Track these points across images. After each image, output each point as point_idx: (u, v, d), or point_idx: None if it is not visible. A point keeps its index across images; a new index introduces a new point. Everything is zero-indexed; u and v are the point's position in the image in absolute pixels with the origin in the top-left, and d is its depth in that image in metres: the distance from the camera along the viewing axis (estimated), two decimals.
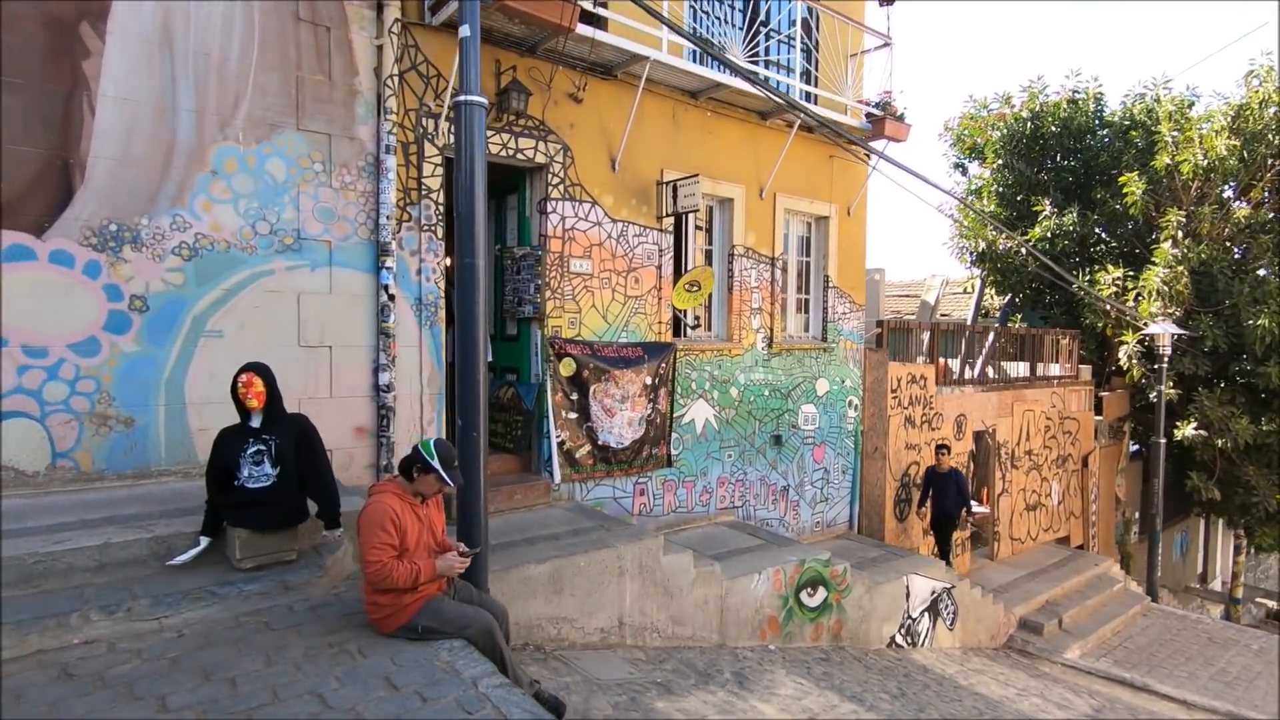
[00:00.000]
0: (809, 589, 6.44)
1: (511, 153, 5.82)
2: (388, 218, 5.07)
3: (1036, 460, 11.93)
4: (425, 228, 5.36)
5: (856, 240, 8.94)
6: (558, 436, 6.09)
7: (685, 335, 7.37)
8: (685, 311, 7.22)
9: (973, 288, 17.13)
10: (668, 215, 6.83)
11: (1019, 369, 12.30)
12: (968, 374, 10.97)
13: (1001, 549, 11.13)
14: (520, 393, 6.23)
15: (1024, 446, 11.62)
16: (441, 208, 5.45)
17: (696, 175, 6.50)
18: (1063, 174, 15.08)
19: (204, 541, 3.37)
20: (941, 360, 10.62)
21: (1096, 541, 13.55)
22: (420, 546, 3.12)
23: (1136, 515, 15.80)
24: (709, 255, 7.58)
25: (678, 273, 7.12)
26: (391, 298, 5.10)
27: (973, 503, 9.72)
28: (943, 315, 18.06)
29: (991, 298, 16.84)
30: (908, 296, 19.14)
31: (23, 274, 3.95)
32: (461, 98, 3.81)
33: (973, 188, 17.02)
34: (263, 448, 3.34)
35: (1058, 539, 12.55)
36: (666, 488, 7.03)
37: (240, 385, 3.33)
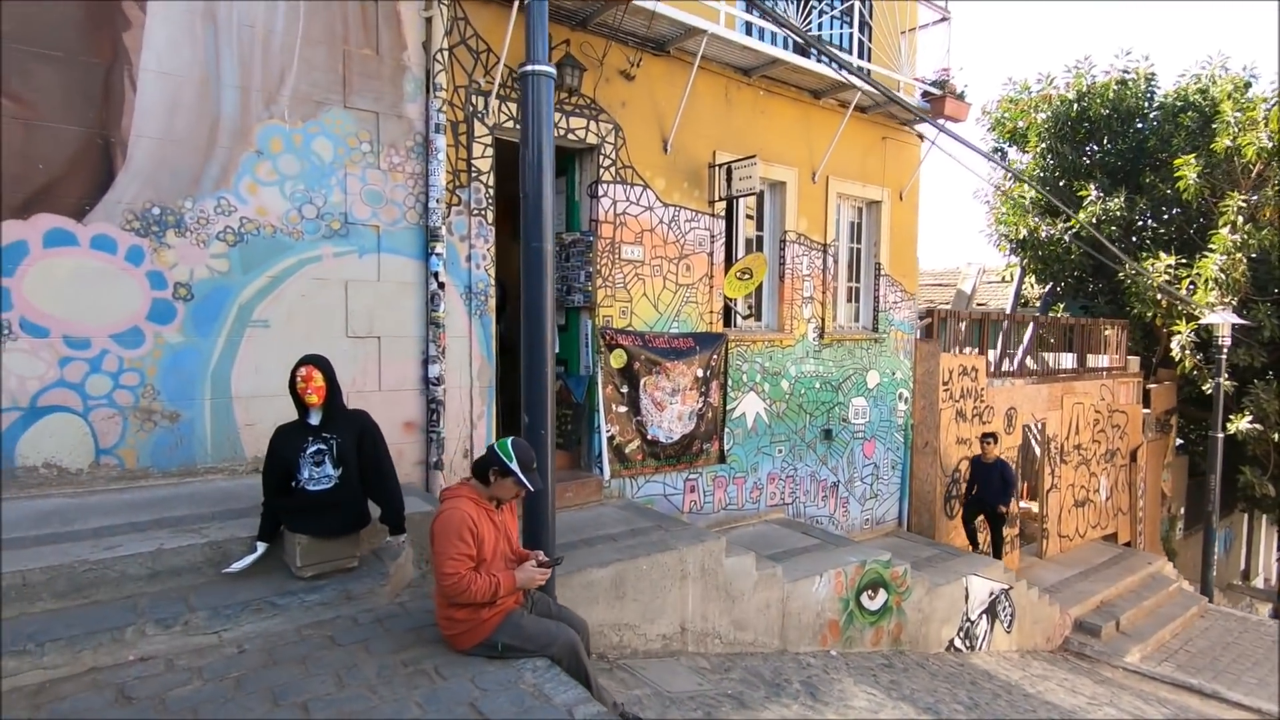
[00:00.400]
0: (870, 591, 6.15)
1: (562, 132, 5.53)
2: (437, 201, 4.80)
3: (1085, 455, 11.52)
4: (475, 212, 5.09)
5: (908, 226, 8.56)
6: (608, 431, 5.83)
7: (735, 325, 7.06)
8: (736, 301, 6.91)
9: (1011, 276, 16.62)
10: (720, 199, 6.51)
11: (1067, 360, 11.86)
12: (1015, 365, 10.57)
13: (1050, 546, 10.75)
14: (569, 385, 5.96)
15: (1073, 440, 11.22)
16: (492, 191, 5.17)
17: (753, 156, 6.17)
18: (1109, 158, 14.53)
19: (260, 547, 3.14)
20: (990, 352, 10.24)
21: (1143, 538, 13.13)
22: (497, 556, 2.86)
23: (1182, 511, 15.33)
24: (759, 242, 7.25)
25: (729, 260, 6.80)
26: (441, 286, 4.84)
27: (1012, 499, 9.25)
28: (979, 305, 17.57)
29: (1031, 286, 16.34)
30: (942, 285, 18.67)
31: (64, 260, 3.72)
32: (528, 67, 3.52)
33: (1010, 173, 16.51)
34: (323, 447, 3.09)
35: (1105, 536, 12.15)
36: (717, 484, 6.75)
37: (299, 380, 3.08)
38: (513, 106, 5.23)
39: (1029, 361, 10.87)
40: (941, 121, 7.76)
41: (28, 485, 3.66)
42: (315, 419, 3.15)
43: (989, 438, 8.34)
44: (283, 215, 4.33)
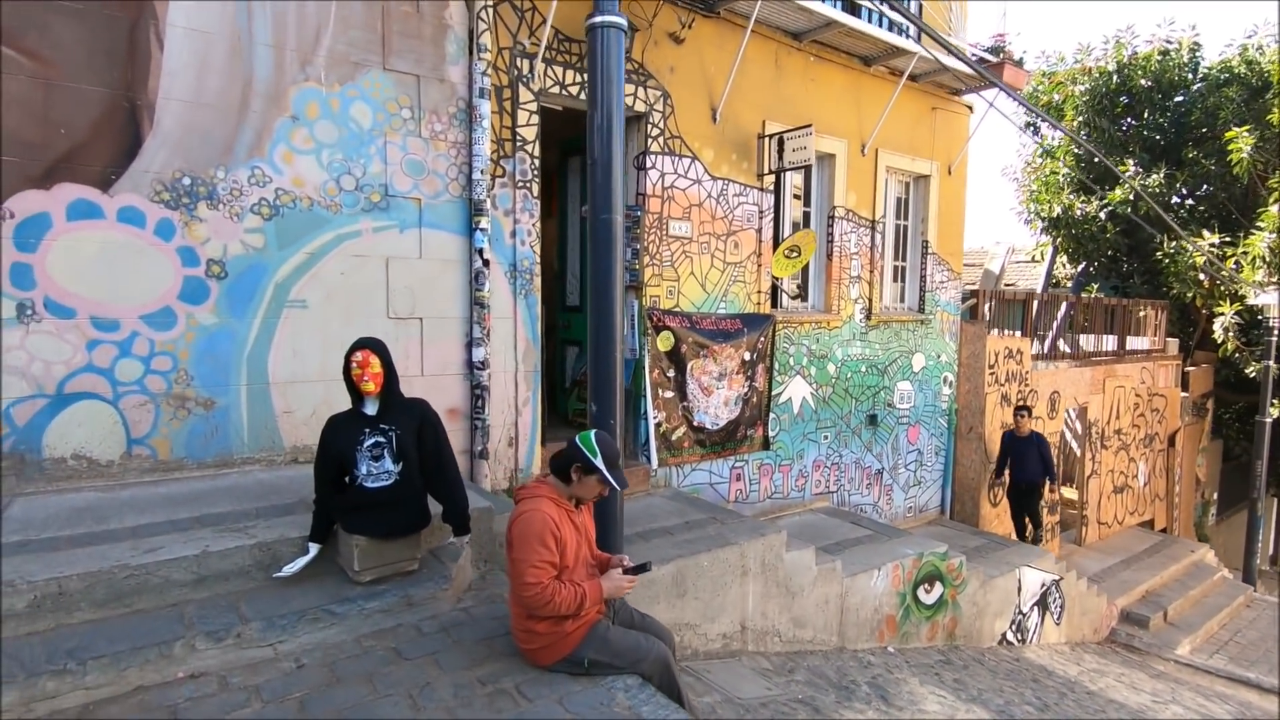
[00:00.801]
0: (926, 585, 5.88)
1: None
2: (482, 172, 4.47)
3: (1125, 440, 11.20)
4: (520, 183, 4.75)
5: (956, 202, 8.18)
6: (655, 417, 5.53)
7: (781, 306, 6.73)
8: (783, 280, 6.58)
9: (1042, 256, 16.18)
10: (769, 172, 6.16)
11: (1107, 342, 11.49)
12: (1046, 348, 10.21)
13: (1089, 534, 10.47)
14: None
15: (1113, 425, 10.89)
16: (537, 162, 4.83)
17: (809, 126, 5.80)
18: (1149, 132, 14.02)
19: (313, 549, 2.87)
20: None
21: (1178, 525, 12.83)
22: (579, 562, 2.58)
23: (1215, 496, 15.01)
24: (806, 218, 6.89)
25: (776, 237, 6.45)
26: (486, 263, 4.52)
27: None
28: (1007, 285, 17.15)
29: (1063, 266, 15.90)
30: (970, 265, 18.20)
31: (89, 234, 3.42)
32: (596, 19, 3.19)
33: (1043, 149, 16.04)
34: (382, 440, 2.81)
35: (1142, 522, 11.86)
36: (763, 472, 6.47)
37: (354, 365, 2.79)
38: (559, 70, 4.88)
39: (1060, 344, 10.50)
40: (976, 96, 7.34)
41: (56, 478, 3.40)
42: (371, 409, 2.86)
43: (1023, 410, 7.90)
44: (320, 187, 4.01)
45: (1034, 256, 16.92)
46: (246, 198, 3.80)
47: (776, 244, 6.37)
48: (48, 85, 3.30)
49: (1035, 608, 7.14)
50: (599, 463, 2.55)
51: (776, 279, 6.44)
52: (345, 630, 2.69)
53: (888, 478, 7.70)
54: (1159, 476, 12.27)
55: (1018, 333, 9.22)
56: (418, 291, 4.38)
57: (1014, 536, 8.32)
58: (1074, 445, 11.20)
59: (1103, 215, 14.40)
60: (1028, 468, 7.89)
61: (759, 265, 6.23)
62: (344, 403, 4.15)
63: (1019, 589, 6.87)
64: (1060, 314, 10.46)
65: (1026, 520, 8.15)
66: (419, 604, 2.89)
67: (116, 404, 3.53)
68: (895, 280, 7.88)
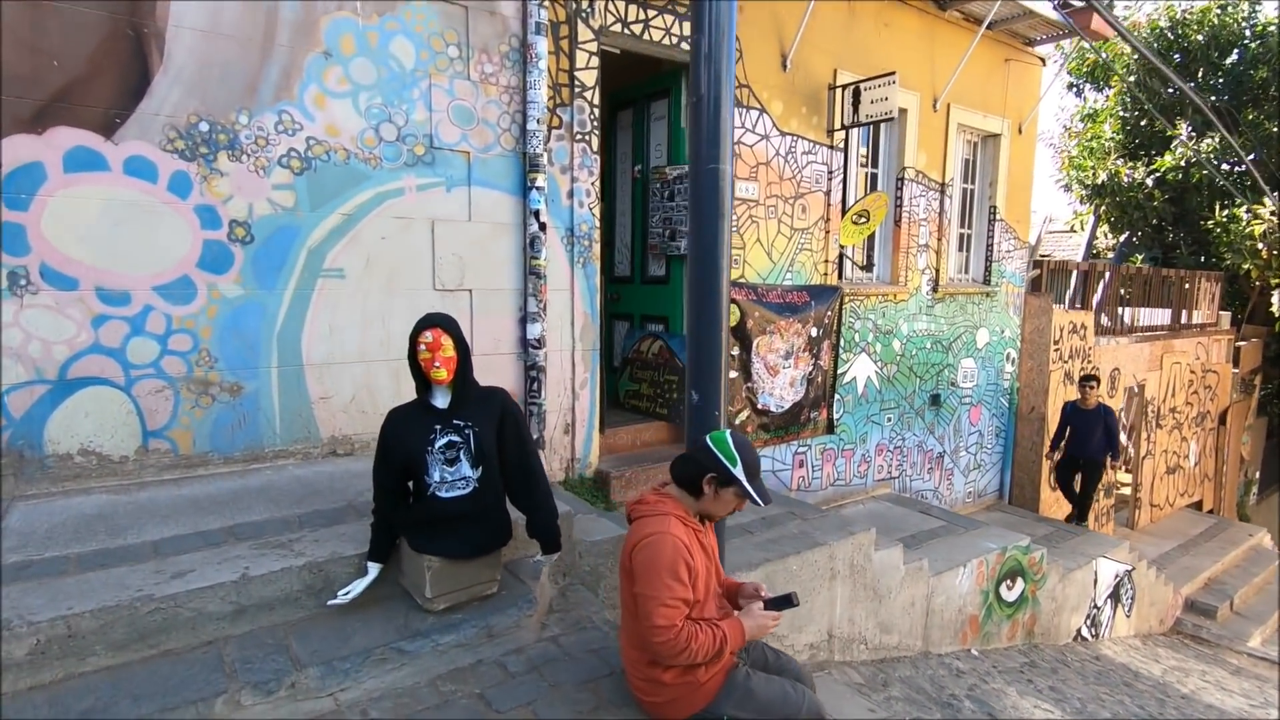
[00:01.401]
0: (1008, 581, 5.41)
1: (675, 40, 4.56)
2: (538, 122, 3.89)
3: (1179, 418, 10.68)
4: (579, 136, 4.17)
5: (1025, 164, 7.55)
6: None
7: (846, 277, 6.16)
8: (848, 249, 6.00)
9: (1083, 225, 15.50)
10: (840, 128, 5.55)
11: (1160, 316, 10.90)
12: (1115, 321, 9.63)
13: (1141, 517, 10.01)
14: (672, 347, 5.12)
15: (1169, 404, 10.36)
16: (596, 111, 4.25)
17: (892, 74, 5.18)
18: (1204, 93, 13.24)
19: (373, 570, 2.37)
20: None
21: (1224, 505, 12.38)
22: (710, 593, 2.08)
23: (1257, 475, 14.53)
24: (872, 180, 6.29)
25: (844, 201, 5.86)
26: (542, 227, 3.96)
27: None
28: (1043, 255, 16.49)
29: (1105, 236, 15.23)
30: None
31: (92, 189, 2.87)
32: None
33: (1084, 112, 15.28)
34: (458, 439, 2.29)
35: (1191, 504, 11.40)
36: (826, 457, 5.97)
37: (422, 348, 2.25)
38: (620, 5, 4.26)
39: (1103, 318, 9.89)
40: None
41: (62, 478, 2.90)
42: (442, 400, 2.33)
43: (1090, 380, 7.01)
44: (357, 136, 3.44)
45: (1073, 226, 16.24)
46: (274, 148, 3.24)
47: (844, 209, 5.79)
48: (35, 7, 2.72)
49: (1109, 600, 6.70)
50: (739, 473, 2.03)
51: (843, 247, 5.87)
52: (417, 671, 2.20)
53: (949, 461, 7.21)
54: (1208, 456, 11.78)
55: (1058, 305, 8.65)
56: (467, 259, 3.83)
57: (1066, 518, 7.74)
58: (1123, 416, 10.68)
59: (1150, 182, 13.73)
60: (1091, 443, 7.07)
61: (826, 232, 5.66)
62: (386, 387, 3.68)
63: (1095, 581, 6.42)
64: (1100, 286, 9.86)
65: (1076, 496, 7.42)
66: (501, 635, 2.40)
67: (129, 390, 3.02)
68: (960, 249, 7.30)
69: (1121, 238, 14.83)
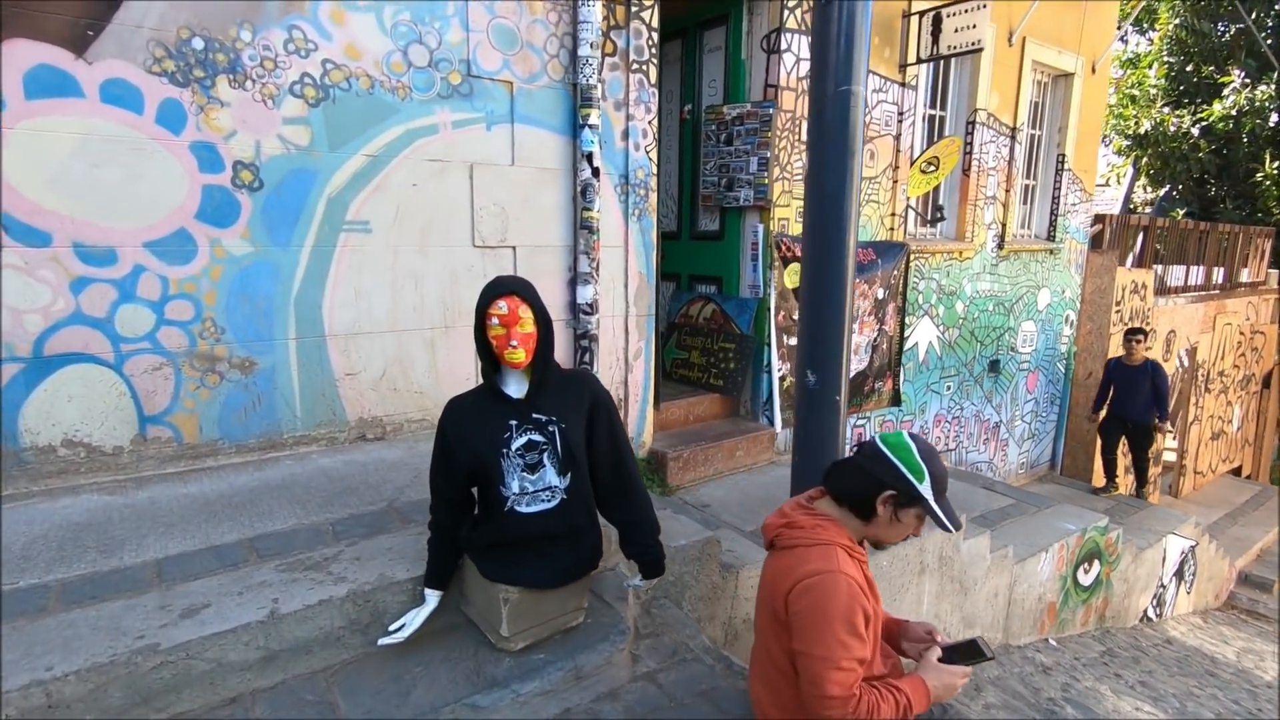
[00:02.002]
0: (1085, 564, 5.00)
1: None
2: (591, 46, 3.29)
3: (1225, 382, 10.22)
4: (634, 65, 3.57)
5: (1096, 108, 6.90)
6: (779, 369, 4.52)
7: (910, 233, 5.60)
8: (915, 200, 5.43)
9: (1120, 178, 14.80)
10: (915, 62, 4.92)
11: (1215, 275, 10.32)
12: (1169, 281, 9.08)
13: (1186, 484, 9.62)
14: (728, 312, 4.60)
15: (1217, 367, 9.88)
16: (655, 35, 3.64)
17: None
18: (1263, 34, 12.40)
19: (431, 599, 1.89)
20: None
21: (1260, 470, 12.01)
22: (877, 641, 1.61)
23: None
24: (939, 124, 5.67)
25: (914, 146, 5.26)
26: (596, 172, 3.40)
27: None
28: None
29: (1144, 189, 14.53)
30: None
31: (62, 120, 2.32)
32: None
33: (1124, 57, 14.44)
34: (540, 439, 1.78)
35: (1231, 470, 11.02)
36: (885, 430, 5.50)
37: (495, 323, 1.73)
38: None
39: (1166, 278, 9.31)
40: None
41: (44, 475, 2.41)
42: (517, 388, 1.82)
43: (1138, 334, 6.25)
44: (382, 60, 2.86)
45: (1108, 179, 15.51)
46: (283, 72, 2.66)
47: (914, 156, 5.19)
48: None
49: (1174, 578, 6.32)
50: (927, 490, 1.54)
51: (910, 199, 5.30)
52: None
53: (1004, 431, 6.75)
54: (1250, 420, 11.36)
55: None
56: (510, 211, 3.28)
57: (1105, 483, 7.07)
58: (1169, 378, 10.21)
59: (1195, 131, 13.00)
60: (1137, 404, 6.25)
61: (894, 181, 5.07)
62: (420, 360, 3.17)
63: (1163, 559, 6.03)
64: (1138, 241, 9.26)
65: (1120, 466, 6.73)
66: (590, 676, 1.94)
67: (120, 369, 2.51)
68: (1023, 202, 6.70)
69: (1161, 191, 14.16)
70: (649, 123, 3.67)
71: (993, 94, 5.71)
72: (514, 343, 1.74)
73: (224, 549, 2.06)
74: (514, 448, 1.78)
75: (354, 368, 2.99)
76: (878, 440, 1.60)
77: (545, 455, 1.79)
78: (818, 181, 2.24)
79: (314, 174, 2.77)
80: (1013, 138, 5.98)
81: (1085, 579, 5.04)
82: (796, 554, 1.55)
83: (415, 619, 1.87)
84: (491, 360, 1.82)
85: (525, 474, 1.78)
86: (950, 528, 1.57)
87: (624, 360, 3.81)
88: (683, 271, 4.92)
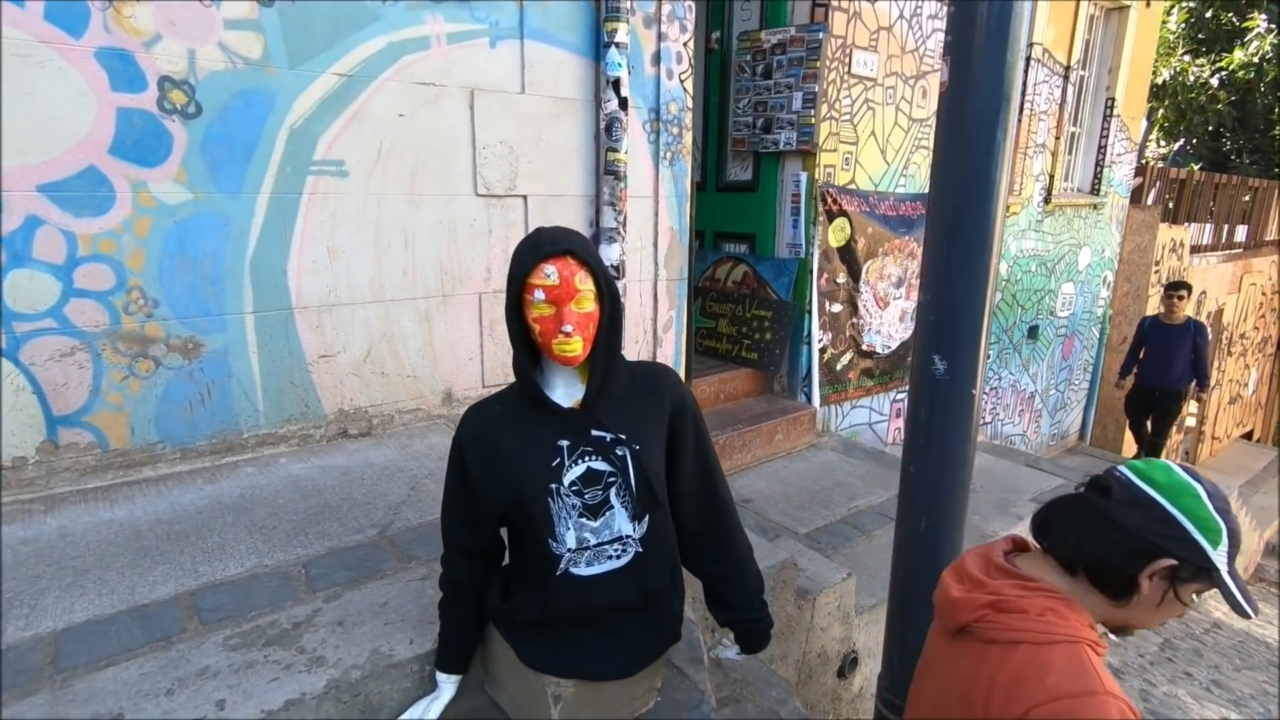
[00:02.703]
0: None
1: None
2: None
3: (1245, 344, 9.87)
4: None
5: (1148, 46, 6.29)
6: (820, 340, 3.97)
7: None
8: None
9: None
10: None
11: (1239, 232, 9.87)
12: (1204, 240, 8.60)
13: (1203, 450, 9.33)
14: (762, 274, 4.02)
15: (1239, 329, 9.51)
16: None
17: None
18: None
19: (446, 687, 1.34)
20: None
21: (1270, 435, 11.80)
22: None
23: None
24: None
25: None
26: (624, 104, 2.77)
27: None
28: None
29: (1157, 143, 13.99)
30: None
31: None
32: None
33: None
34: (606, 468, 1.21)
35: (1243, 435, 10.77)
36: None
37: (539, 298, 1.14)
38: None
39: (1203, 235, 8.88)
40: None
41: None
42: (568, 392, 1.24)
43: (1179, 289, 5.38)
44: None
45: None
46: None
47: None
48: None
49: None
50: (1222, 558, 1.00)
51: None
52: None
53: (1039, 401, 6.30)
54: (1264, 383, 11.07)
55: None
56: (520, 151, 2.65)
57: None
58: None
59: (1215, 81, 12.44)
60: (1173, 369, 5.43)
61: None
62: (413, 335, 2.57)
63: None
64: (1200, 194, 8.76)
65: (1148, 436, 5.93)
66: None
67: (15, 356, 1.89)
68: (1068, 152, 6.12)
69: (1176, 145, 13.64)
70: (685, 45, 3.02)
71: (1049, 27, 5.08)
72: (567, 327, 1.15)
73: (153, 611, 1.49)
74: (567, 482, 1.21)
75: (330, 348, 2.38)
76: (1135, 478, 1.05)
77: (613, 491, 1.22)
78: (958, 113, 1.67)
79: (270, 97, 2.13)
80: (1065, 78, 5.37)
81: None
82: (1022, 655, 1.01)
83: (425, 715, 1.32)
84: (530, 350, 1.23)
85: (585, 519, 1.21)
86: (1250, 612, 1.04)
87: (652, 332, 3.23)
88: (707, 228, 4.32)
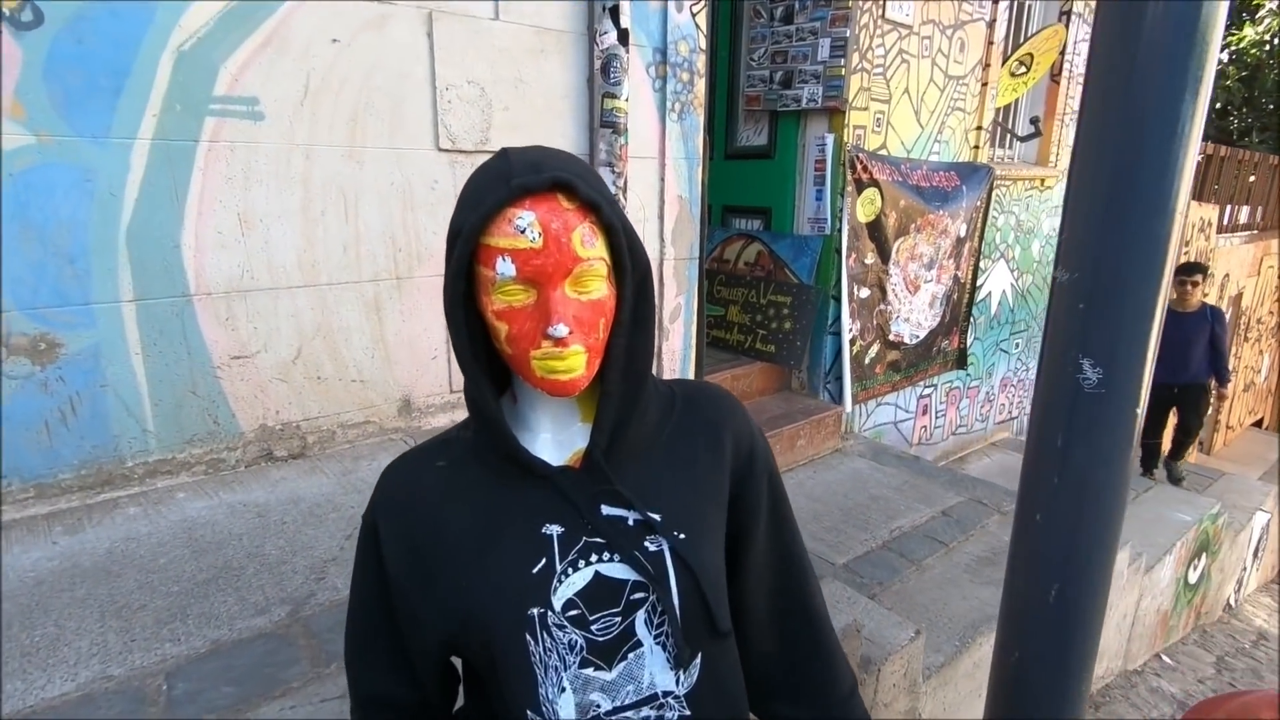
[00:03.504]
0: (1195, 560, 4.16)
1: None
2: None
3: (1262, 329, 9.50)
4: None
5: None
6: (849, 330, 3.45)
7: (982, 154, 4.49)
8: (999, 110, 4.31)
9: None
10: None
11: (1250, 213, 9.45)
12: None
13: (1217, 440, 8.97)
14: (780, 254, 3.49)
15: (1256, 313, 9.13)
16: None
17: None
18: None
19: None
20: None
21: (1275, 421, 11.50)
22: None
23: None
24: (1026, 12, 4.50)
25: (1008, 39, 4.11)
26: (624, 38, 2.21)
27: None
28: None
29: None
30: None
31: None
32: None
33: None
34: (632, 577, 0.69)
35: (1254, 423, 10.44)
36: (950, 399, 4.52)
37: (505, 276, 0.61)
38: None
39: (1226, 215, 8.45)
40: None
41: None
42: (562, 440, 0.71)
43: (1193, 272, 4.71)
44: None
45: None
46: None
47: (1006, 52, 4.05)
48: None
49: (1252, 557, 5.59)
50: None
51: (998, 110, 4.18)
52: None
53: None
54: (1275, 370, 10.74)
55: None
56: (494, 94, 2.10)
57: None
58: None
59: (1224, 58, 12.02)
60: (1190, 363, 4.83)
61: (983, 84, 3.94)
62: (357, 330, 2.01)
63: (1249, 539, 5.26)
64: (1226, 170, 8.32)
65: (1166, 441, 5.38)
66: None
67: None
68: None
69: None
70: None
71: None
72: (558, 328, 0.62)
73: None
74: (560, 603, 0.67)
75: (246, 346, 1.83)
76: None
77: (641, 618, 0.69)
78: (1149, 51, 1.12)
79: (147, 7, 1.55)
80: None
81: (1193, 576, 4.20)
82: None
83: None
84: (491, 365, 0.70)
85: (593, 668, 0.68)
86: None
87: (658, 322, 2.69)
88: (715, 202, 3.78)
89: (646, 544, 0.70)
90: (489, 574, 0.69)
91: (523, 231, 0.60)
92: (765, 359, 3.47)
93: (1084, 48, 4.64)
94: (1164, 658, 3.87)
